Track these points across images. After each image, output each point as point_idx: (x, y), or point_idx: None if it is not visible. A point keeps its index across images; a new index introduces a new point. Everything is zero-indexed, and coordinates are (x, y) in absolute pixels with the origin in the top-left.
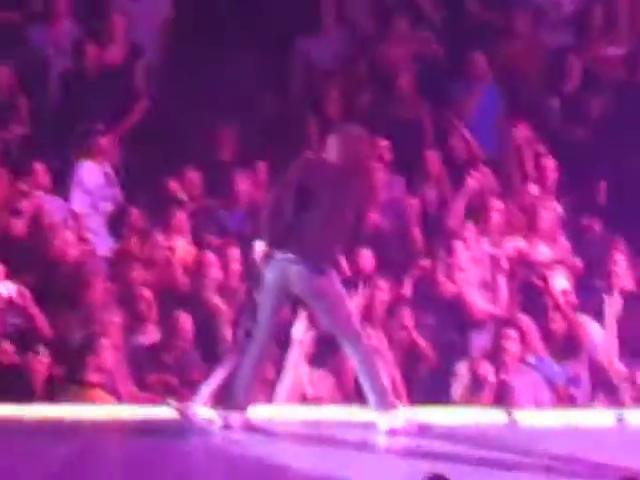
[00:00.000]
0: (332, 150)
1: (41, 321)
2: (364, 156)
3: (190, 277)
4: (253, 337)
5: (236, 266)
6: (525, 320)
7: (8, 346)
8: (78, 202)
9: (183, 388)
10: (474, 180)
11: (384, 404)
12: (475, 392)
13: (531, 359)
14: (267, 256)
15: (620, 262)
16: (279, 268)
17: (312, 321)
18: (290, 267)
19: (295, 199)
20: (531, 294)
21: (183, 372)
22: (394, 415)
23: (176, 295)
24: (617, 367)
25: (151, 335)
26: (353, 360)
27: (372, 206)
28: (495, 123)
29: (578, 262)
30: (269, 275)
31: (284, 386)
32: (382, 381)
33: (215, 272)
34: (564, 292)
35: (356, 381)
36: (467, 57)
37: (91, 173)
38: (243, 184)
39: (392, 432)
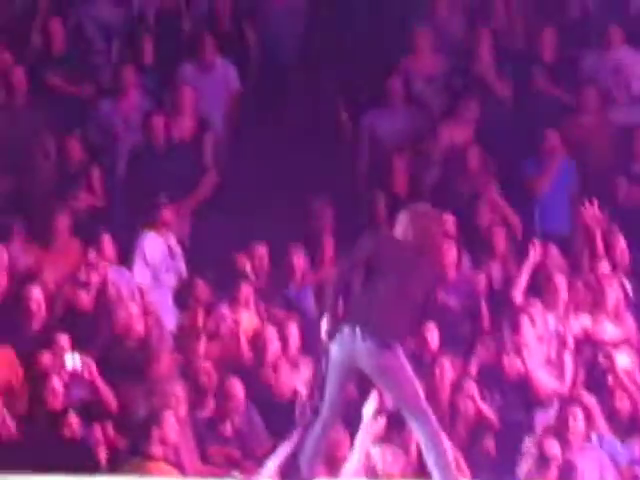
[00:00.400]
0: (401, 227)
1: (106, 394)
2: (433, 233)
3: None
4: (319, 413)
5: (295, 340)
6: (589, 398)
7: (73, 418)
8: (140, 274)
9: (246, 461)
10: (536, 254)
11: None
12: (541, 470)
13: (594, 438)
14: (333, 331)
15: None
16: (345, 343)
17: (382, 401)
18: (356, 342)
19: (363, 275)
20: (596, 373)
21: (244, 444)
22: None
23: (239, 368)
24: None
25: (211, 407)
26: (419, 436)
27: (441, 284)
28: (568, 200)
29: None
30: (335, 350)
31: (353, 463)
32: (447, 457)
33: (274, 346)
34: (629, 371)
35: (421, 456)
36: (538, 133)
37: (154, 245)
38: (302, 261)
39: None
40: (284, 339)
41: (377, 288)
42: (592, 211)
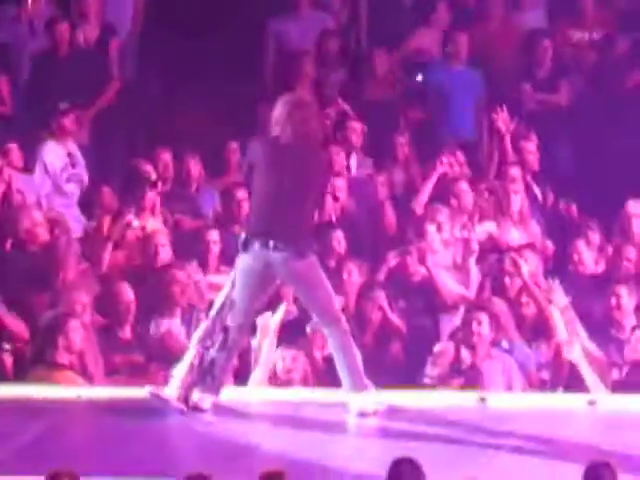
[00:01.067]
0: (279, 120)
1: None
2: (310, 123)
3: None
4: (231, 323)
5: (216, 248)
6: (499, 304)
7: None
8: (40, 183)
9: (149, 365)
10: (443, 165)
11: (357, 386)
12: (447, 376)
13: (505, 344)
14: (246, 243)
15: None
16: (259, 255)
17: (289, 311)
18: (270, 253)
19: (254, 184)
20: (501, 279)
21: (146, 349)
22: (366, 397)
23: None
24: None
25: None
26: (330, 342)
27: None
28: (474, 106)
29: (549, 245)
30: (248, 262)
31: (258, 372)
32: (357, 363)
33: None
34: (533, 275)
35: (328, 362)
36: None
37: (53, 154)
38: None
39: (363, 414)
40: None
41: (273, 194)
42: (502, 116)
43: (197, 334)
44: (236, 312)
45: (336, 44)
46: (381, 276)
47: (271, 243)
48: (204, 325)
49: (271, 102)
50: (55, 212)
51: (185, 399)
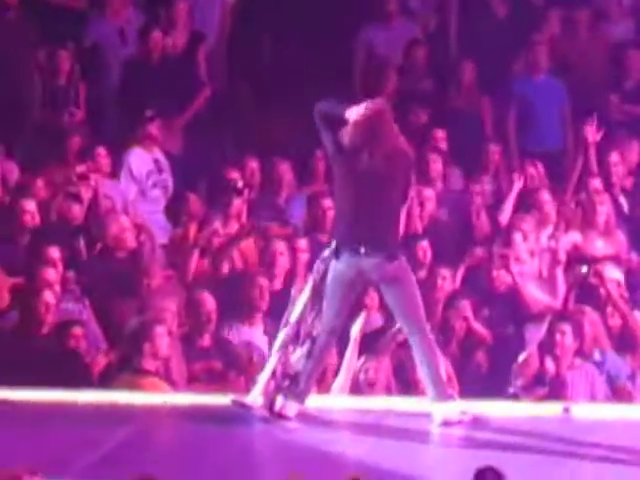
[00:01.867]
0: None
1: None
2: (382, 123)
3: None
4: (320, 330)
5: (304, 256)
6: (590, 314)
7: (77, 330)
8: (126, 189)
9: (229, 372)
10: (521, 177)
11: (441, 395)
12: (532, 386)
13: (597, 355)
14: (338, 251)
15: None
16: (351, 262)
17: (369, 321)
18: (362, 259)
19: (342, 190)
20: (587, 289)
21: (225, 356)
22: (450, 407)
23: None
24: None
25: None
26: (415, 350)
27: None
28: (559, 117)
29: (634, 257)
30: (339, 269)
31: (340, 381)
32: (440, 373)
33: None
34: (619, 286)
35: (414, 371)
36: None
37: (139, 160)
38: (289, 174)
39: (447, 423)
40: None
41: (360, 200)
42: (591, 128)
43: (278, 340)
44: (326, 319)
45: (424, 54)
46: (457, 283)
47: (362, 249)
48: (285, 331)
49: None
50: (140, 218)
51: (268, 406)
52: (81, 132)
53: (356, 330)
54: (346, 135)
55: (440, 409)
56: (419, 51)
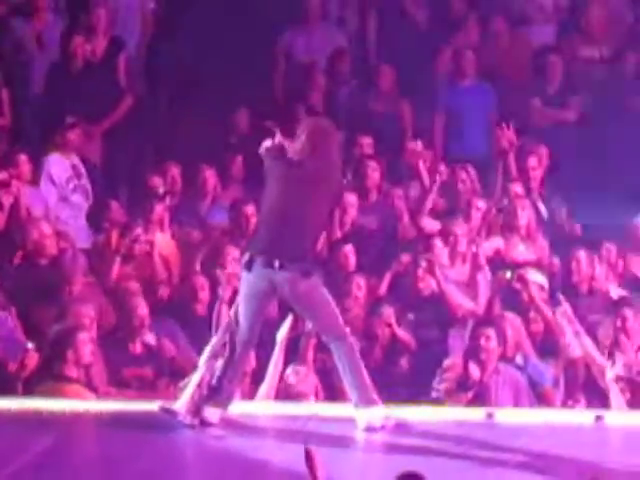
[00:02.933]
0: (299, 140)
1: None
2: (331, 149)
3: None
4: (237, 338)
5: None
6: (512, 319)
7: None
8: (47, 195)
9: (158, 380)
10: (440, 179)
11: (364, 401)
12: (455, 390)
13: (519, 359)
14: (250, 262)
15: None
16: (262, 273)
17: (295, 323)
18: (275, 272)
19: (263, 199)
20: (510, 294)
21: (155, 363)
22: (373, 412)
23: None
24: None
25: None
26: (336, 357)
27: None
28: (484, 121)
29: (556, 261)
30: (251, 280)
31: (266, 386)
32: (364, 378)
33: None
34: (542, 290)
35: (337, 377)
36: (456, 54)
37: (58, 166)
38: (213, 178)
39: (370, 429)
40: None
41: (280, 211)
42: (507, 133)
43: (206, 351)
44: (241, 331)
45: (348, 60)
46: (383, 289)
47: (276, 262)
48: (213, 342)
49: (279, 114)
50: (62, 224)
51: (195, 414)
52: (2, 138)
53: (282, 335)
54: (288, 146)
55: (364, 414)
56: (343, 58)
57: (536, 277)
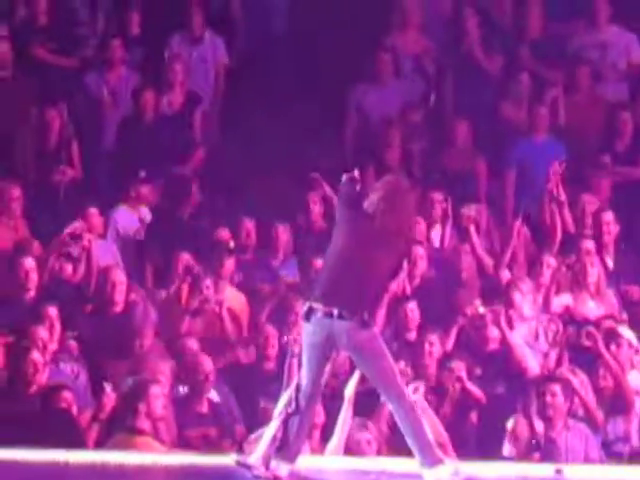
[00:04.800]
0: (374, 197)
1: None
2: (406, 209)
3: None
4: (302, 391)
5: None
6: (579, 375)
7: (67, 394)
8: (114, 247)
9: (222, 440)
10: (520, 232)
11: (429, 460)
12: (524, 448)
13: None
14: (309, 312)
15: None
16: (323, 324)
17: (363, 381)
18: (334, 322)
19: (328, 249)
20: (580, 351)
21: (220, 422)
22: (441, 470)
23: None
24: None
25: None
26: (396, 417)
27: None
28: None
29: (625, 317)
30: (312, 331)
31: (336, 440)
32: (426, 437)
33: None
34: (630, 347)
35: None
36: (530, 111)
37: (125, 219)
38: (287, 236)
39: None
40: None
41: (346, 260)
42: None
43: (280, 405)
44: (305, 385)
45: (419, 114)
46: (450, 343)
47: (335, 312)
48: (286, 396)
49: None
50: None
51: (265, 467)
52: (73, 191)
53: (350, 390)
54: (366, 200)
55: (431, 475)
56: (415, 112)
57: (626, 333)
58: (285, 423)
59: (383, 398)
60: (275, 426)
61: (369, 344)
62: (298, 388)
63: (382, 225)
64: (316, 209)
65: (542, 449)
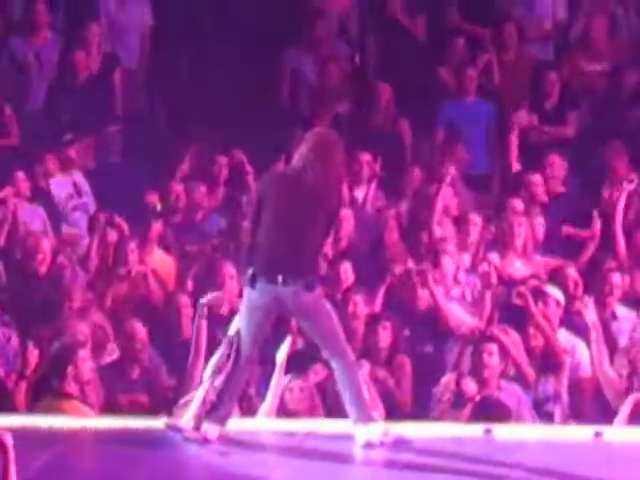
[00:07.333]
0: (303, 150)
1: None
2: (335, 160)
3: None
4: (238, 355)
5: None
6: (512, 334)
7: None
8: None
9: (153, 406)
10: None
11: (363, 417)
12: (456, 407)
13: (512, 374)
14: (253, 280)
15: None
16: (266, 290)
17: (294, 341)
18: (278, 288)
19: (262, 219)
20: (509, 310)
21: (151, 388)
22: (372, 428)
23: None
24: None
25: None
26: (336, 373)
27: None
28: (485, 138)
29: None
30: (254, 296)
31: (268, 404)
32: (363, 395)
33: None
34: (557, 305)
35: (336, 394)
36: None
37: (58, 184)
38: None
39: (369, 445)
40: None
41: (283, 228)
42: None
43: (209, 366)
44: (243, 348)
45: (341, 75)
46: (378, 304)
47: (279, 278)
48: (215, 357)
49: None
50: (66, 235)
51: (195, 430)
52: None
53: (282, 355)
54: (297, 161)
55: (362, 431)
56: (334, 72)
57: (553, 292)
58: (214, 385)
59: (326, 355)
60: (205, 388)
61: (314, 306)
62: (235, 351)
63: (312, 178)
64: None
65: (473, 409)
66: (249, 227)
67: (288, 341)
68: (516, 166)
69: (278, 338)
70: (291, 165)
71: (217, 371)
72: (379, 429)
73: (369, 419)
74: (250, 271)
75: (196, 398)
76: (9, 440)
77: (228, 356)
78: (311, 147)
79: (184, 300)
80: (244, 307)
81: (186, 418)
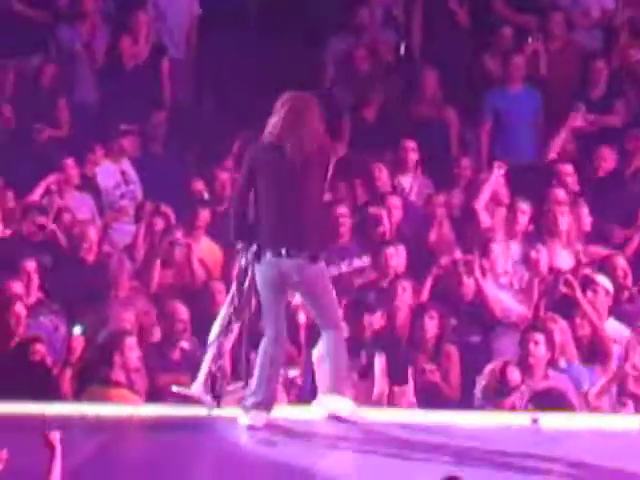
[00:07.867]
0: (281, 113)
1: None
2: (313, 123)
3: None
4: (267, 338)
5: None
6: (560, 323)
7: (40, 346)
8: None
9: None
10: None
11: (339, 388)
12: (501, 396)
13: (562, 363)
14: (258, 254)
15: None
16: (273, 262)
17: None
18: (282, 261)
19: (258, 193)
20: (556, 300)
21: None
22: (343, 402)
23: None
24: None
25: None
26: (324, 344)
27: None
28: (529, 127)
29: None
30: (264, 269)
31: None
32: (343, 370)
33: None
34: (607, 295)
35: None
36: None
37: (106, 172)
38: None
39: (334, 417)
40: None
41: (278, 198)
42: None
43: (214, 331)
44: (268, 327)
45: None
46: (425, 294)
47: (283, 251)
48: (220, 318)
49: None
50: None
51: (211, 390)
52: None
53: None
54: (272, 129)
55: (332, 402)
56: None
57: (602, 280)
58: (222, 346)
59: (320, 325)
60: (212, 349)
61: (317, 279)
62: (243, 322)
63: (297, 143)
64: None
65: (519, 398)
66: (237, 196)
67: None
68: (552, 155)
69: None
70: (271, 133)
71: (222, 332)
72: (348, 406)
73: (343, 392)
74: (254, 246)
75: (204, 361)
76: (57, 438)
77: (230, 317)
78: (288, 110)
79: (219, 287)
80: (259, 285)
81: (196, 384)
